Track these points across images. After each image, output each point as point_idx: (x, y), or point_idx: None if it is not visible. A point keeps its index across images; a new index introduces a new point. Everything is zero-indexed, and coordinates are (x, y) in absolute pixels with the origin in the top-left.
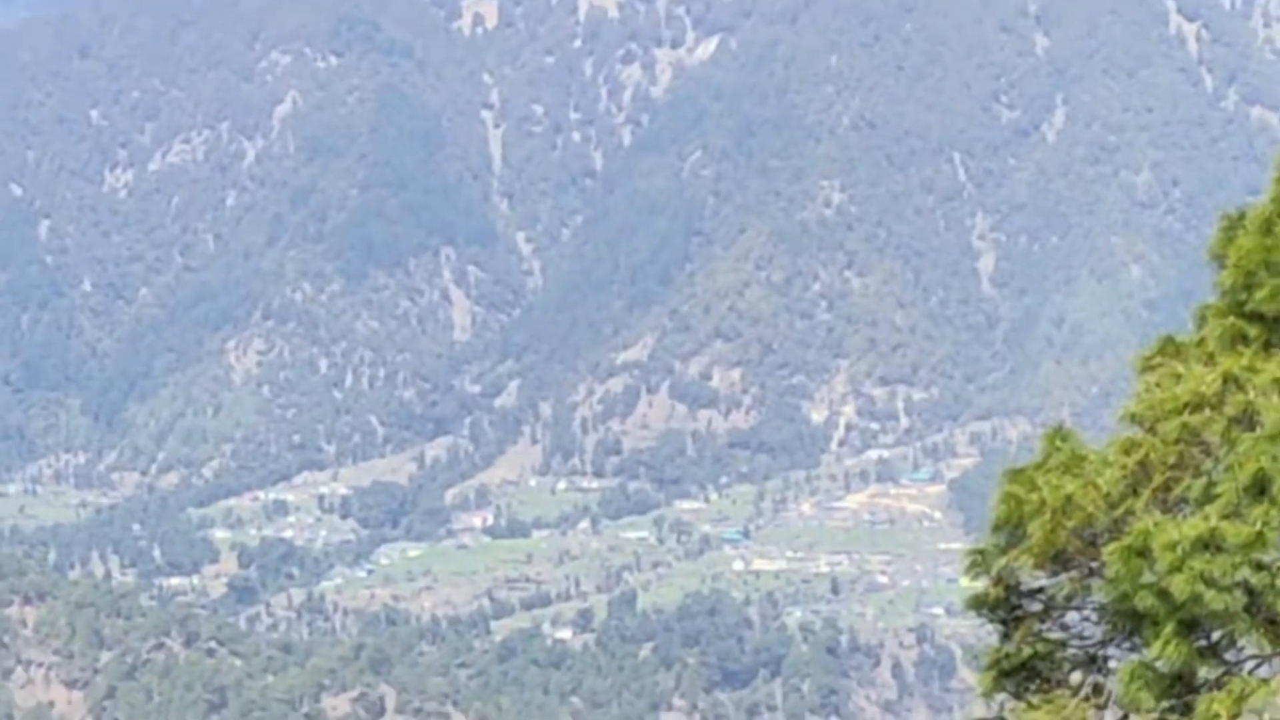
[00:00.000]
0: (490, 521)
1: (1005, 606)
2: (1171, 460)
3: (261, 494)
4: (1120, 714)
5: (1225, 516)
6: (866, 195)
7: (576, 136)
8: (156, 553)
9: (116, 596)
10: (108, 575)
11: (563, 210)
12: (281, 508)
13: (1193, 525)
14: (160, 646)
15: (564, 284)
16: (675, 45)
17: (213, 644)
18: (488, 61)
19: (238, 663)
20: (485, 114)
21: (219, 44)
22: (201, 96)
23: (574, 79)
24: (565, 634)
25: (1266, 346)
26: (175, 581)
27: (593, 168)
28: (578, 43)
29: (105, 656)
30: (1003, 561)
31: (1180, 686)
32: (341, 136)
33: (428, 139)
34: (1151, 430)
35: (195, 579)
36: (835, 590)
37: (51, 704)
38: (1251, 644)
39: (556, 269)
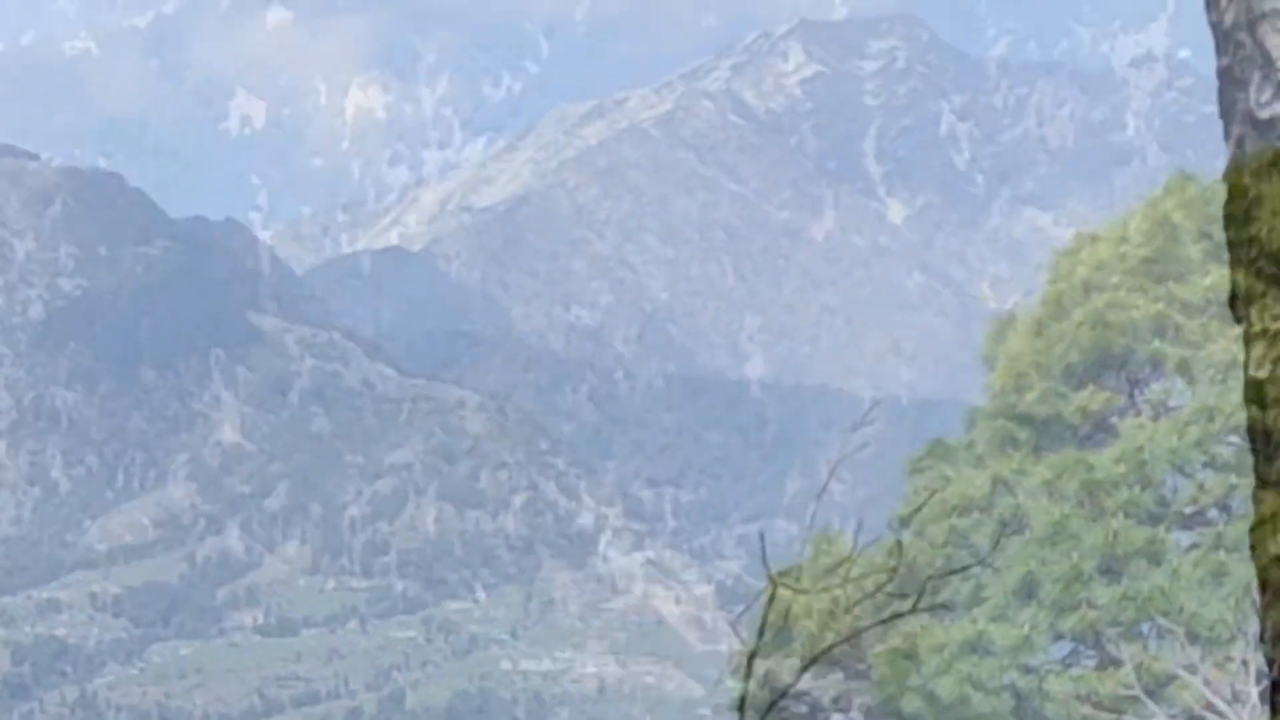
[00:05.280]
0: (260, 620)
1: (772, 709)
2: (939, 563)
3: (34, 592)
4: None
5: (993, 619)
6: (633, 298)
7: (344, 238)
8: None
9: None
10: None
11: (330, 312)
12: (54, 605)
13: (960, 628)
14: None
15: (332, 385)
16: (443, 146)
17: None
18: (255, 163)
19: None
20: (253, 215)
21: None
22: None
23: (341, 180)
24: None
25: (1036, 449)
26: None
27: (360, 269)
28: (345, 144)
29: None
30: (769, 664)
31: None
32: (111, 238)
33: (196, 240)
34: (920, 533)
35: None
36: (602, 691)
37: None
38: None
39: (326, 370)
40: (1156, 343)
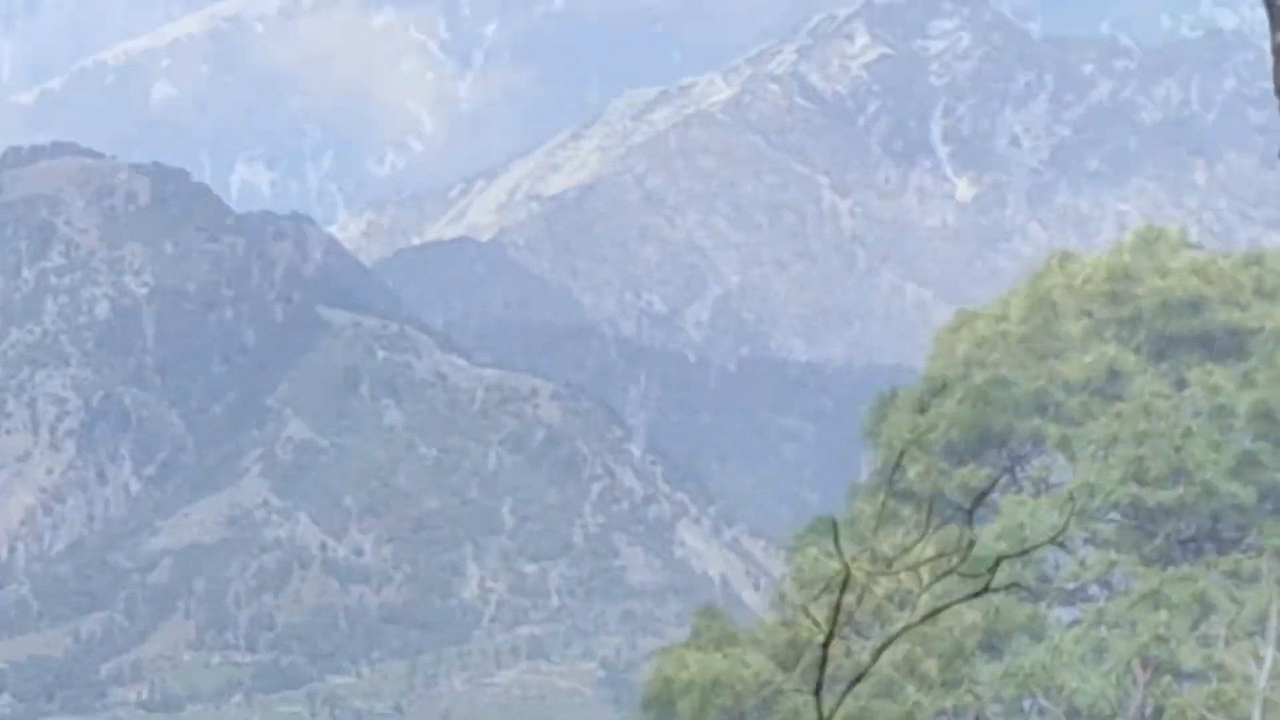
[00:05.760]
0: (145, 695)
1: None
2: (822, 639)
3: None
4: None
5: (876, 695)
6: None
7: (229, 313)
8: None
9: None
10: None
11: (215, 385)
12: None
13: (843, 704)
14: None
15: (217, 459)
16: (328, 223)
17: None
18: (141, 238)
19: None
20: (139, 289)
21: None
22: None
23: (228, 255)
24: None
25: (918, 525)
26: None
27: (245, 343)
28: (229, 220)
29: None
30: None
31: None
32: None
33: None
34: (803, 610)
35: None
36: None
37: None
38: None
39: (211, 445)
40: (1037, 420)
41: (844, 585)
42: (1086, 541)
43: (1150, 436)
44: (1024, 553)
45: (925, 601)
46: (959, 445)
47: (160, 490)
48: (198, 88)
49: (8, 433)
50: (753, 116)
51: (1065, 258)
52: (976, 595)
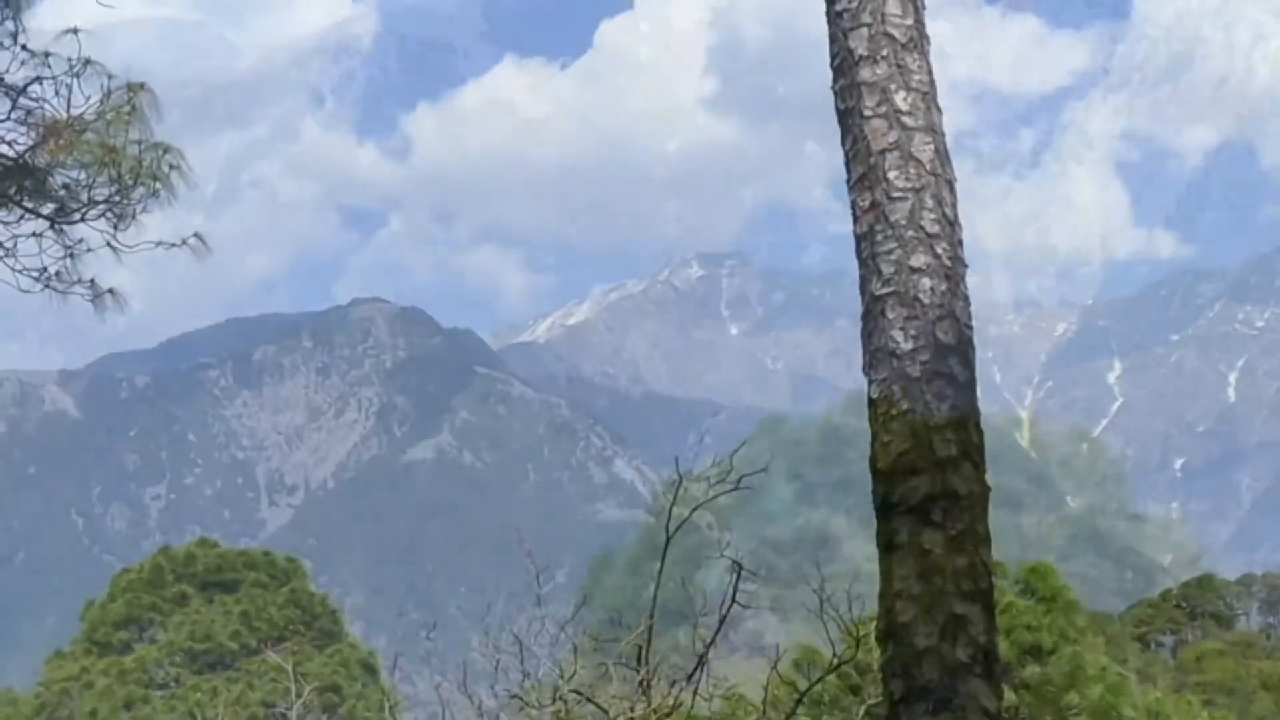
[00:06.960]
0: None
1: None
2: None
3: None
4: None
5: None
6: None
7: None
8: None
9: None
10: None
11: None
12: None
13: None
14: None
15: None
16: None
17: None
18: None
19: None
20: None
21: None
22: None
23: None
24: None
25: (641, 685)
26: None
27: None
28: None
29: None
30: None
31: None
32: None
33: None
34: None
35: None
36: None
37: None
38: None
39: None
40: (750, 583)
41: None
42: (798, 702)
43: (861, 599)
44: None
45: None
46: (672, 607)
47: None
48: None
49: None
50: None
51: (778, 422)
52: None
